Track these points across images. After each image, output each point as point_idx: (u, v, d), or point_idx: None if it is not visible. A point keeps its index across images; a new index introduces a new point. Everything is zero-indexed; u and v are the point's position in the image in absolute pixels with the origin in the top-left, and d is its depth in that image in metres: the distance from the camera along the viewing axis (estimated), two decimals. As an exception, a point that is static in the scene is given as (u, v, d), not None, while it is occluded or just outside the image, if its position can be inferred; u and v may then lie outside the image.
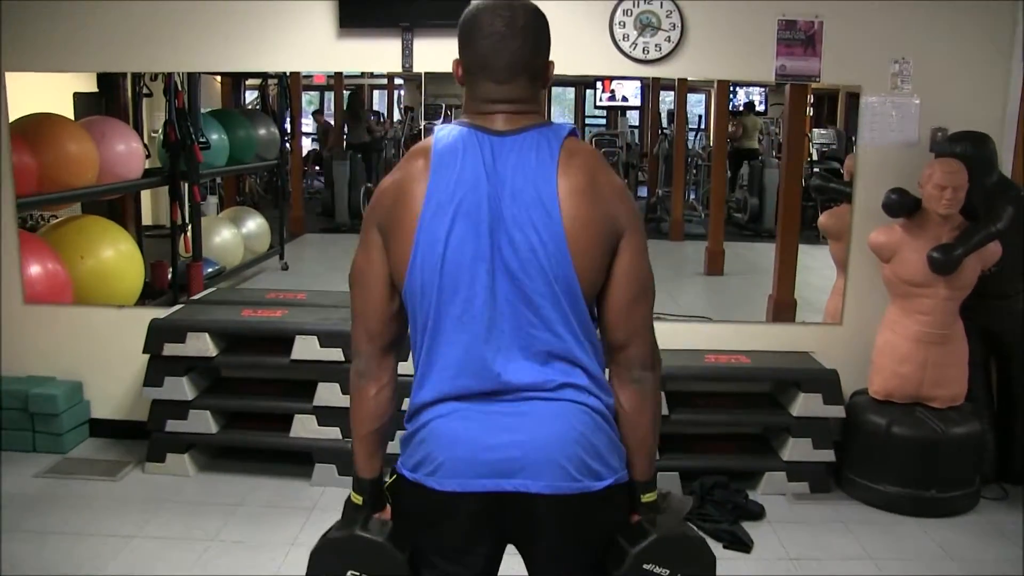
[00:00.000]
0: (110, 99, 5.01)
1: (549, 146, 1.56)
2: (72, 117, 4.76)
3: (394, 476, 1.67)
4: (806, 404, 3.87)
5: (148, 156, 4.92)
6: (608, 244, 1.57)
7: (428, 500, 1.58)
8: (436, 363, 1.58)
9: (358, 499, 1.71)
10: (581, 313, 1.58)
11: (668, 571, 1.59)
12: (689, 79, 4.42)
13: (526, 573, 1.69)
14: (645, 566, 1.58)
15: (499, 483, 1.54)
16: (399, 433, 1.66)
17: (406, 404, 1.66)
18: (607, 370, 1.66)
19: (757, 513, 3.66)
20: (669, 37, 4.01)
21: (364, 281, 1.63)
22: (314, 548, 1.67)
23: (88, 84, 4.80)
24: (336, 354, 3.83)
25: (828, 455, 3.90)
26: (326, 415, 3.87)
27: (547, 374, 1.56)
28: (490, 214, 1.53)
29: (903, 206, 3.76)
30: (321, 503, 3.68)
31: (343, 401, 3.82)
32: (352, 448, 1.72)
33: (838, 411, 3.90)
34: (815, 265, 5.38)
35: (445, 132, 1.60)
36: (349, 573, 1.61)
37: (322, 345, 3.84)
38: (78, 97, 5.19)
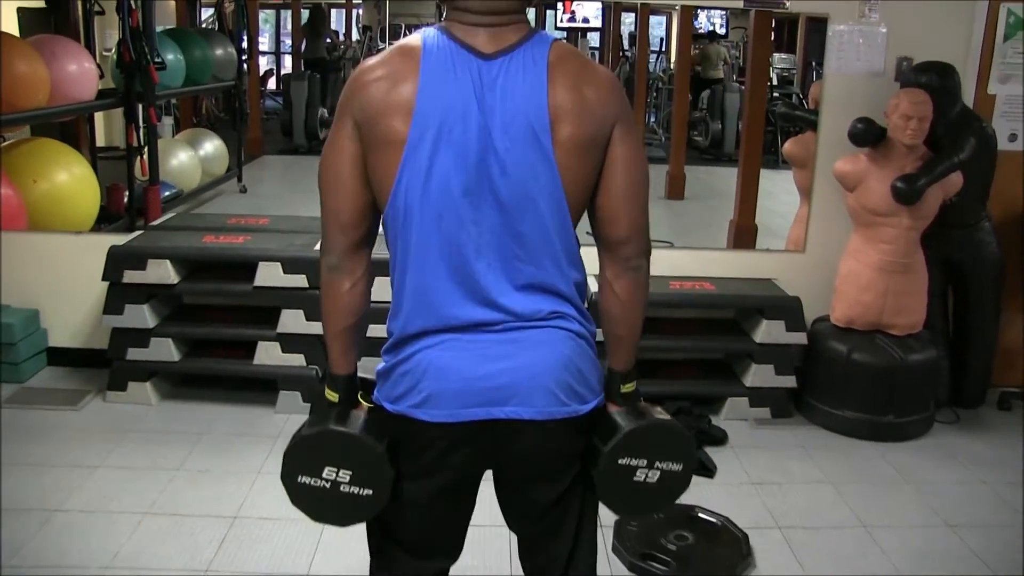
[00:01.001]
0: (59, 16, 4.83)
1: (535, 65, 1.50)
2: (18, 35, 4.59)
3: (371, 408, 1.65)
4: (768, 331, 3.92)
5: (101, 76, 4.76)
6: (600, 153, 1.55)
7: (411, 430, 1.57)
8: (418, 293, 1.55)
9: (333, 396, 1.68)
10: (568, 243, 1.57)
11: (644, 461, 1.60)
12: (651, 1, 4.34)
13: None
14: (620, 461, 1.59)
15: (490, 411, 1.53)
16: (376, 366, 1.64)
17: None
18: (603, 259, 1.66)
19: (720, 438, 3.72)
20: (637, -42, 3.93)
21: (336, 173, 1.56)
22: (288, 447, 1.63)
23: (34, -1, 4.63)
24: (300, 280, 3.78)
25: (790, 381, 3.97)
26: (290, 342, 3.84)
27: (537, 303, 1.56)
28: (480, 145, 1.48)
29: (869, 135, 3.77)
30: (286, 430, 3.68)
31: (307, 328, 3.79)
32: (325, 345, 1.68)
33: (800, 338, 3.96)
34: (775, 191, 5.42)
35: (433, 40, 1.52)
36: (326, 469, 1.58)
37: (286, 271, 3.79)
38: (24, 13, 4.99)
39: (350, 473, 1.58)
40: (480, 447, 1.58)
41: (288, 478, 1.61)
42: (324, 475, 1.59)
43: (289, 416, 3.81)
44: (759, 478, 3.45)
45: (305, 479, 1.59)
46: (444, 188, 1.49)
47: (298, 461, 1.61)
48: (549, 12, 7.03)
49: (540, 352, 1.55)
